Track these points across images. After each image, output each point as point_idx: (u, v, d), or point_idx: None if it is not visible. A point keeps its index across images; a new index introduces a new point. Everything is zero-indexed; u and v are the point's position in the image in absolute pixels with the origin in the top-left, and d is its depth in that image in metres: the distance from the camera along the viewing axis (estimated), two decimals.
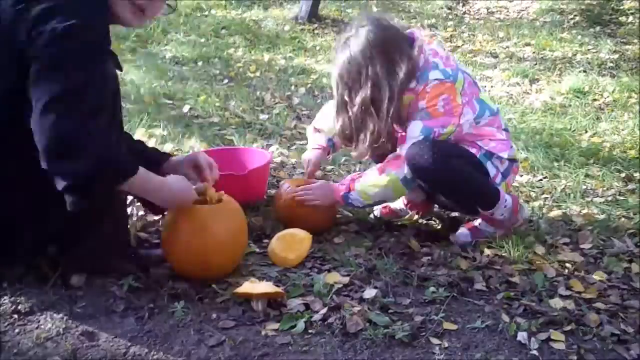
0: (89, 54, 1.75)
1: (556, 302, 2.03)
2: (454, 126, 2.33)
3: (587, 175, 3.25)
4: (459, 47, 6.01)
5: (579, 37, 6.21)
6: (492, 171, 2.44)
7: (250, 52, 5.52)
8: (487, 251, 2.38)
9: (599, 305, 2.04)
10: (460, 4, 7.45)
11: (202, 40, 5.71)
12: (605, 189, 3.12)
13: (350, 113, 2.37)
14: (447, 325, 1.90)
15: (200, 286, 2.05)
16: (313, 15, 6.44)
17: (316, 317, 1.90)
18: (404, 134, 2.41)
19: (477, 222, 2.51)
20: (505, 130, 2.53)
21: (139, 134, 3.48)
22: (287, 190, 2.56)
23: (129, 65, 4.55)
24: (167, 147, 3.34)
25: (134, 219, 2.49)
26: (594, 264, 2.37)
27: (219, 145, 3.44)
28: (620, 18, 6.75)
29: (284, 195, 2.56)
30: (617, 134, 3.88)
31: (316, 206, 2.50)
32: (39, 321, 1.86)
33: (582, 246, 2.50)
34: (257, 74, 4.96)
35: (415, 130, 2.33)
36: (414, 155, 2.29)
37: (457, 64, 2.41)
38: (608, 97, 4.66)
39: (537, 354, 1.78)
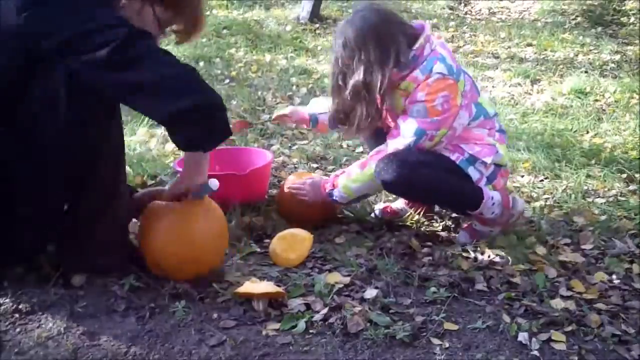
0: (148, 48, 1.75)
1: (557, 303, 2.03)
2: (447, 129, 2.34)
3: (588, 176, 3.25)
4: (460, 47, 6.01)
5: (581, 37, 6.22)
6: (474, 175, 2.42)
7: (252, 52, 5.52)
8: (488, 251, 2.37)
9: (600, 305, 2.04)
10: (462, 5, 7.46)
11: (204, 40, 5.71)
12: (606, 189, 3.12)
13: (343, 96, 2.40)
14: (448, 326, 1.90)
15: (201, 286, 2.05)
16: (315, 16, 6.45)
17: (317, 317, 1.90)
18: (398, 122, 2.42)
19: (473, 223, 2.51)
20: (501, 131, 2.51)
21: (140, 134, 3.49)
22: (287, 183, 2.66)
23: None
24: (169, 147, 3.34)
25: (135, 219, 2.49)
26: (595, 264, 2.37)
27: (220, 145, 3.44)
28: (621, 19, 6.76)
29: (283, 188, 2.66)
30: (618, 135, 3.88)
31: (308, 202, 2.57)
32: (40, 320, 1.86)
33: (583, 247, 2.50)
34: (259, 74, 4.97)
35: (409, 130, 2.35)
36: (380, 171, 2.35)
37: (459, 65, 2.41)
38: (609, 97, 4.66)
39: (537, 354, 1.78)
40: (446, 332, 1.88)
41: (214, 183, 2.01)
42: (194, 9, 1.97)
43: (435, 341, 1.83)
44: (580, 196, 3.01)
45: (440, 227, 2.67)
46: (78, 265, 2.05)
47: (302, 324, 1.86)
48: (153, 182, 2.90)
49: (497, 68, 5.38)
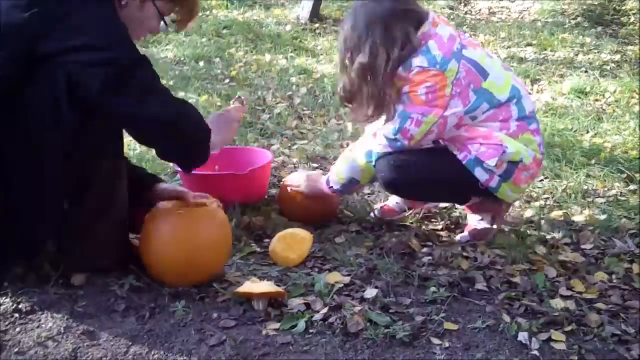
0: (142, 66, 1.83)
1: (557, 303, 2.03)
2: (436, 117, 2.28)
3: (588, 176, 3.25)
4: None
5: (581, 37, 6.21)
6: (482, 177, 2.34)
7: (252, 52, 5.52)
8: (488, 251, 2.37)
9: (599, 305, 2.04)
10: (462, 4, 7.45)
11: (204, 40, 5.71)
12: (606, 189, 3.12)
13: (349, 75, 2.40)
14: (448, 325, 1.90)
15: (201, 286, 2.05)
16: (314, 15, 6.44)
17: (317, 316, 1.90)
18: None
19: (474, 223, 2.51)
20: (521, 119, 2.36)
21: None
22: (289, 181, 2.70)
23: None
24: None
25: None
26: (595, 264, 2.37)
27: None
28: (622, 18, 6.75)
29: (282, 187, 2.72)
30: (618, 135, 3.88)
31: (310, 197, 2.60)
32: (40, 320, 1.86)
33: (583, 246, 2.50)
34: (259, 73, 4.96)
35: (395, 114, 2.36)
36: (379, 171, 2.41)
37: (459, 49, 2.30)
38: (609, 97, 4.66)
39: (537, 354, 1.78)
40: (446, 332, 1.88)
41: None
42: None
43: (435, 341, 1.83)
44: (580, 196, 3.01)
45: (440, 227, 2.67)
46: (78, 265, 2.05)
47: (302, 324, 1.86)
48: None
49: None
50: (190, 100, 4.12)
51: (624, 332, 1.90)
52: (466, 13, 7.24)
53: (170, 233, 2.04)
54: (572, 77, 5.08)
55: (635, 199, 2.97)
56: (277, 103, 4.31)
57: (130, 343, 1.78)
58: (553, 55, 5.76)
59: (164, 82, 4.38)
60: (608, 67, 5.42)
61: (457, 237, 2.53)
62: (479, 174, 2.34)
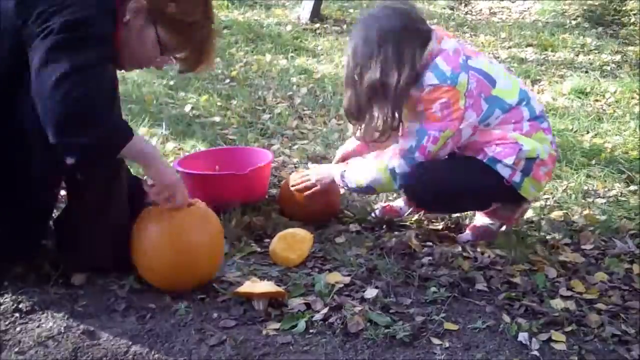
0: (94, 42, 1.71)
1: (557, 303, 2.03)
2: (452, 131, 2.30)
3: (588, 176, 3.25)
4: None
5: (581, 38, 6.22)
6: (505, 172, 2.34)
7: (252, 52, 5.52)
8: (488, 251, 2.37)
9: (600, 306, 2.04)
10: (463, 5, 7.45)
11: None
12: (606, 189, 3.12)
13: (357, 91, 2.37)
14: (448, 326, 1.90)
15: (202, 286, 2.05)
16: (315, 15, 6.44)
17: (317, 316, 1.90)
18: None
19: (479, 223, 2.51)
20: (534, 119, 2.38)
21: (140, 134, 3.48)
22: (290, 181, 2.69)
23: None
24: (169, 146, 3.34)
25: None
26: (595, 264, 2.37)
27: (221, 144, 3.44)
28: (622, 19, 6.75)
29: (283, 185, 2.70)
30: (618, 135, 3.88)
31: (311, 196, 2.59)
32: (40, 320, 1.86)
33: (583, 247, 2.50)
34: (259, 73, 4.96)
35: (412, 129, 2.34)
36: (408, 187, 2.41)
37: (465, 60, 2.32)
38: (610, 98, 4.66)
39: (538, 354, 1.78)
40: (446, 332, 1.88)
41: None
42: (201, 39, 1.92)
43: (436, 341, 1.83)
44: (580, 196, 3.01)
45: (441, 227, 2.68)
46: (78, 264, 2.05)
47: (302, 324, 1.86)
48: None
49: None
50: (191, 100, 4.14)
51: (624, 332, 1.90)
52: (467, 13, 7.24)
53: (157, 236, 1.97)
54: (573, 77, 5.08)
55: (635, 200, 2.97)
56: (278, 103, 4.31)
57: (130, 343, 1.78)
58: (553, 56, 5.77)
59: (164, 82, 4.43)
60: (608, 68, 5.43)
61: (460, 236, 2.53)
62: (502, 170, 2.33)
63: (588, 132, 3.95)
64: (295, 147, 3.57)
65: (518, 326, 1.89)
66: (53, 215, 2.04)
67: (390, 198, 2.89)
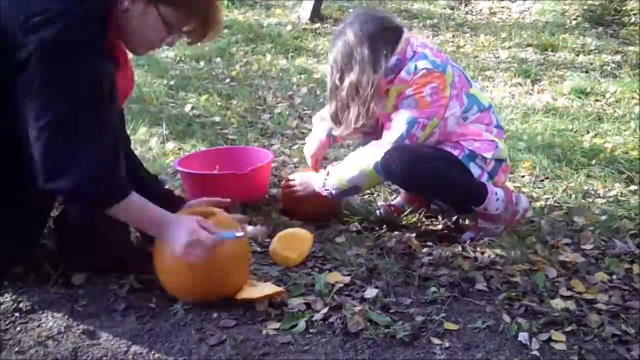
0: (82, 63, 1.70)
1: (557, 303, 2.03)
2: (438, 119, 2.39)
3: (588, 176, 3.25)
4: (461, 47, 6.01)
5: (581, 38, 6.21)
6: (476, 172, 2.45)
7: (252, 52, 5.52)
8: (488, 251, 2.37)
9: (600, 305, 2.04)
10: (463, 5, 7.45)
11: None
12: (606, 189, 3.12)
13: (339, 96, 2.48)
14: (448, 325, 1.90)
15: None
16: (315, 15, 6.44)
17: (317, 316, 1.90)
18: (389, 120, 2.47)
19: (478, 221, 2.51)
20: (498, 127, 2.54)
21: (140, 134, 3.49)
22: (288, 180, 2.72)
23: (131, 64, 4.55)
24: (169, 147, 3.34)
25: None
26: (595, 264, 2.37)
27: (221, 144, 3.45)
28: (622, 19, 6.75)
29: (283, 184, 2.74)
30: (619, 135, 3.88)
31: (310, 197, 2.61)
32: (40, 319, 1.87)
33: (583, 247, 2.50)
34: (259, 73, 4.97)
35: (400, 119, 2.41)
36: (386, 162, 2.39)
37: (447, 58, 2.47)
38: (610, 98, 4.66)
39: (538, 354, 1.78)
40: (446, 332, 1.88)
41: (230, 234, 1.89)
42: (205, 8, 1.89)
43: (435, 341, 1.83)
44: (580, 196, 3.01)
45: (441, 227, 2.68)
46: (78, 264, 2.05)
47: (302, 324, 1.86)
48: None
49: (497, 68, 5.38)
50: (191, 100, 4.14)
51: (624, 332, 1.90)
52: (467, 13, 7.24)
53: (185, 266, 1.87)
54: (573, 77, 5.08)
55: (635, 200, 2.97)
56: (278, 103, 4.31)
57: (130, 342, 1.78)
58: (554, 56, 5.76)
59: (164, 81, 4.43)
60: (609, 68, 5.42)
61: (462, 237, 2.53)
62: (473, 168, 2.45)
63: (588, 132, 3.95)
64: (296, 146, 3.57)
65: (518, 326, 1.89)
66: (52, 215, 2.04)
67: (390, 198, 2.89)
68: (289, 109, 4.19)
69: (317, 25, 6.36)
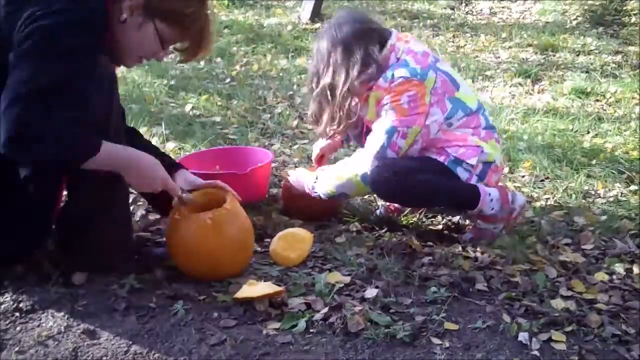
0: (68, 55, 1.70)
1: (557, 303, 2.03)
2: (419, 127, 2.37)
3: (589, 176, 3.25)
4: (461, 47, 6.01)
5: (582, 38, 6.21)
6: (463, 175, 2.44)
7: (253, 52, 5.52)
8: (488, 251, 2.37)
9: (600, 306, 2.04)
10: (463, 4, 7.45)
11: None
12: (607, 189, 3.12)
13: (314, 98, 2.52)
14: (448, 325, 1.90)
15: (202, 286, 2.05)
16: (315, 15, 6.44)
17: (317, 316, 1.90)
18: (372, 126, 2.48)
19: (477, 222, 2.51)
20: (488, 128, 2.51)
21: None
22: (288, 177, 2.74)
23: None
24: (169, 146, 3.34)
25: (136, 218, 2.50)
26: (595, 264, 2.37)
27: (221, 144, 3.45)
28: (623, 19, 6.74)
29: (284, 183, 2.75)
30: (619, 135, 3.88)
31: (309, 196, 2.60)
32: (40, 319, 1.86)
33: (583, 247, 2.50)
34: (259, 73, 4.96)
35: (380, 128, 2.41)
36: (375, 181, 2.39)
37: (433, 62, 2.43)
38: (610, 98, 4.66)
39: (538, 354, 1.78)
40: (446, 332, 1.88)
41: None
42: (200, 28, 1.92)
43: (436, 341, 1.83)
44: (580, 196, 3.01)
45: (441, 227, 2.67)
46: (79, 263, 2.05)
47: (302, 323, 1.86)
48: None
49: (497, 68, 5.38)
50: (191, 100, 4.14)
51: (624, 332, 1.90)
52: (467, 13, 7.24)
53: (197, 242, 2.04)
54: (573, 77, 5.08)
55: (635, 200, 2.97)
56: (278, 103, 4.31)
57: (130, 342, 1.78)
58: (554, 56, 5.76)
59: (164, 81, 4.43)
60: (609, 68, 5.42)
61: (461, 237, 2.53)
62: (461, 173, 2.44)
63: (588, 132, 3.94)
64: (296, 146, 3.57)
65: (518, 326, 1.89)
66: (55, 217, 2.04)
67: None
68: (289, 109, 4.19)
69: (318, 25, 6.35)
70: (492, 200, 2.42)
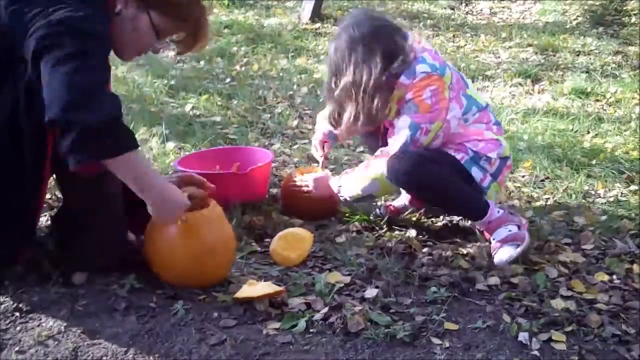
0: (95, 39, 1.69)
1: (557, 303, 2.03)
2: (441, 122, 2.38)
3: (589, 176, 3.25)
4: (461, 47, 6.01)
5: (582, 38, 6.21)
6: (477, 175, 2.44)
7: (253, 52, 5.52)
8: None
9: (600, 306, 2.04)
10: (463, 4, 7.45)
11: None
12: (607, 189, 3.12)
13: (335, 98, 2.50)
14: (448, 325, 1.90)
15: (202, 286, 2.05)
16: (315, 15, 6.44)
17: (317, 316, 1.90)
18: (392, 126, 2.48)
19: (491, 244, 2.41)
20: (497, 124, 2.54)
21: (140, 133, 3.48)
22: (290, 178, 2.73)
23: (131, 64, 4.56)
24: (169, 146, 3.34)
25: None
26: (595, 264, 2.37)
27: (221, 144, 3.44)
28: (623, 19, 6.74)
29: (285, 183, 2.74)
30: (619, 135, 3.88)
31: (311, 196, 2.61)
32: (40, 319, 1.86)
33: (583, 247, 2.50)
34: (259, 73, 4.96)
35: (403, 125, 2.40)
36: (393, 166, 2.36)
37: (445, 61, 2.48)
38: (610, 98, 4.66)
39: (538, 354, 1.78)
40: (446, 332, 1.88)
41: None
42: (196, 18, 1.92)
43: (436, 341, 1.83)
44: (580, 196, 3.01)
45: (441, 227, 2.67)
46: (78, 263, 2.05)
47: (302, 323, 1.86)
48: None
49: (498, 68, 5.38)
50: (191, 100, 4.14)
51: (624, 332, 1.90)
52: (467, 13, 7.24)
53: (174, 242, 1.98)
54: (573, 77, 5.08)
55: (636, 200, 2.97)
56: (278, 102, 4.31)
57: (130, 342, 1.78)
58: (554, 56, 5.76)
59: (164, 81, 4.43)
60: (609, 68, 5.42)
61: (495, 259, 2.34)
62: (475, 173, 2.44)
63: (588, 132, 3.95)
64: (296, 146, 3.57)
65: (518, 326, 1.89)
66: (51, 214, 2.04)
67: (390, 198, 2.88)
68: (290, 109, 4.19)
69: (318, 25, 6.35)
70: (498, 212, 2.38)
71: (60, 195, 2.10)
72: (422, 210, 2.73)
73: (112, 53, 1.86)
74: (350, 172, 2.57)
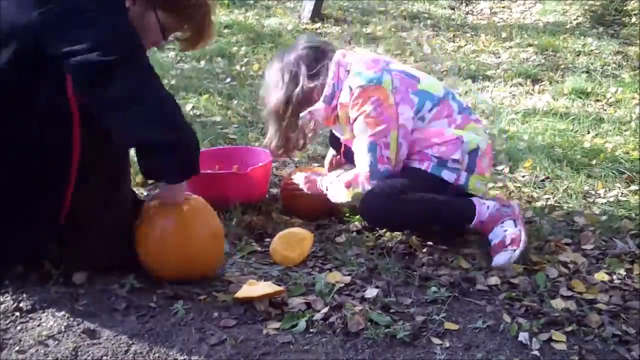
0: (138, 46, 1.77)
1: (558, 303, 2.03)
2: (395, 130, 2.35)
3: (589, 176, 3.25)
4: (462, 47, 6.00)
5: (582, 38, 6.21)
6: (450, 177, 2.41)
7: (253, 51, 5.51)
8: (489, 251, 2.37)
9: (600, 306, 2.04)
10: (463, 4, 7.44)
11: None
12: (607, 189, 3.12)
13: (266, 119, 2.63)
14: (449, 325, 1.90)
15: (202, 285, 2.05)
16: (316, 15, 6.43)
17: (317, 316, 1.90)
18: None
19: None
20: (462, 112, 2.48)
21: None
22: (288, 177, 2.77)
23: None
24: None
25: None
26: (595, 264, 2.37)
27: (221, 144, 3.44)
28: (623, 19, 6.74)
29: (285, 183, 2.78)
30: (619, 135, 3.88)
31: (311, 195, 2.63)
32: (40, 319, 1.87)
33: (583, 247, 2.50)
34: (260, 73, 4.96)
35: (361, 149, 2.41)
36: (368, 211, 2.41)
37: (385, 65, 2.44)
38: (611, 98, 4.66)
39: (538, 354, 1.78)
40: (447, 332, 1.88)
41: None
42: (201, 17, 1.94)
43: (436, 341, 1.83)
44: (581, 196, 3.01)
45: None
46: (79, 262, 2.05)
47: (302, 323, 1.87)
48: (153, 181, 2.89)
49: (498, 68, 5.38)
50: (191, 99, 4.14)
51: (624, 332, 1.90)
52: (467, 13, 7.23)
53: (162, 234, 2.00)
54: (573, 77, 5.08)
55: (636, 200, 2.97)
56: None
57: (130, 342, 1.78)
58: (554, 56, 5.76)
59: (165, 81, 4.42)
60: (609, 68, 5.42)
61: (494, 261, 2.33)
62: (447, 175, 2.40)
63: (589, 132, 3.94)
64: None
65: (518, 326, 1.89)
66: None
67: None
68: None
69: (318, 25, 6.35)
70: (488, 208, 2.39)
71: None
72: None
73: None
74: (340, 175, 2.56)
